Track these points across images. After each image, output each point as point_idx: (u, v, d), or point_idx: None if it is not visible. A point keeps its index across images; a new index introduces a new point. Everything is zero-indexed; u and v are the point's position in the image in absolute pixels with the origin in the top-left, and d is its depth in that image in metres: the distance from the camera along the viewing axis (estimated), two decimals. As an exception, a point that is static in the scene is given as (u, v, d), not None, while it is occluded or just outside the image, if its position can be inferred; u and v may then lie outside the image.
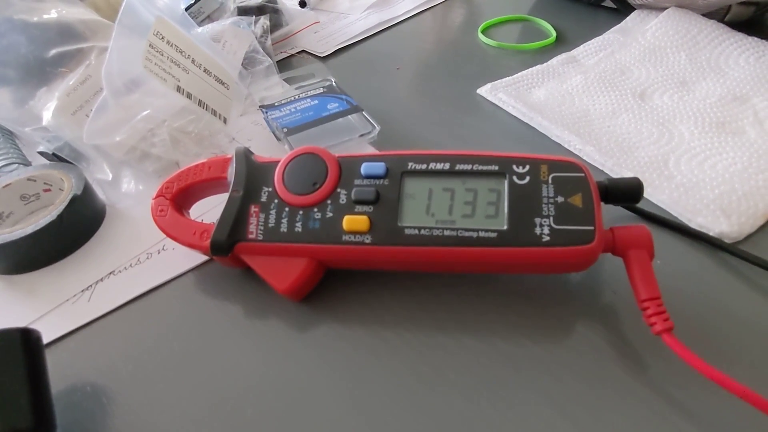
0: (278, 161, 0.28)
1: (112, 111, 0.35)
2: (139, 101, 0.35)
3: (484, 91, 0.43)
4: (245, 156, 0.29)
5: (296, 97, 0.41)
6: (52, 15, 0.40)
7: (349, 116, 0.39)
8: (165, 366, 0.26)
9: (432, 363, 0.25)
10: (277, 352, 0.26)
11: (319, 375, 0.25)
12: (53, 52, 0.39)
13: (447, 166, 0.26)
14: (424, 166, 0.26)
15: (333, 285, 0.28)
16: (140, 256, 0.32)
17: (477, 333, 0.26)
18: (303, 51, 0.52)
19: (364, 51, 0.52)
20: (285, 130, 0.38)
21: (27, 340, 0.23)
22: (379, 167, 0.27)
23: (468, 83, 0.44)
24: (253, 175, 0.28)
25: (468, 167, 0.26)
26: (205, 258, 0.31)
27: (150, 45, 0.35)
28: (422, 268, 0.27)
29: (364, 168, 0.27)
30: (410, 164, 0.27)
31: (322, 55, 0.51)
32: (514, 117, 0.40)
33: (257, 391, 0.25)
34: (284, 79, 0.46)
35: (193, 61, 0.38)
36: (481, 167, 0.26)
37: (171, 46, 0.37)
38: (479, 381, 0.24)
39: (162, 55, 0.36)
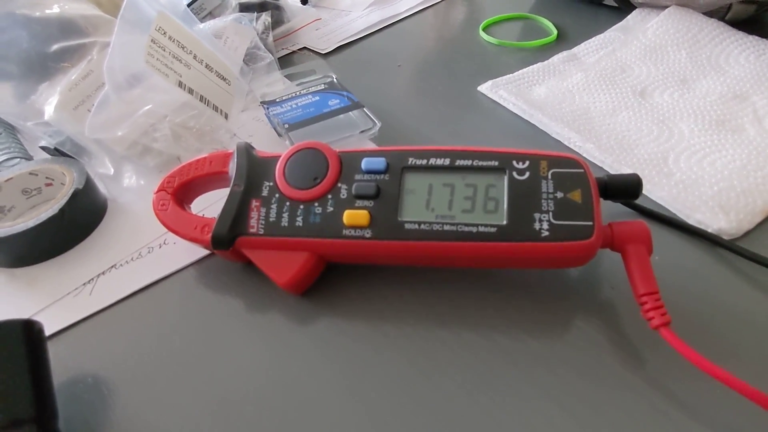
0: (279, 156, 0.28)
1: (114, 106, 0.35)
2: (141, 96, 0.36)
3: (484, 88, 0.43)
4: (246, 151, 0.29)
5: (297, 93, 0.41)
6: (54, 10, 0.40)
7: (350, 113, 0.39)
8: (166, 358, 0.26)
9: (432, 357, 0.25)
10: (277, 345, 0.26)
11: (319, 368, 0.25)
12: (55, 47, 0.39)
13: (447, 161, 0.26)
14: (424, 162, 0.27)
15: (334, 279, 0.29)
16: (141, 250, 0.32)
17: (476, 328, 0.26)
18: (304, 48, 0.52)
19: (365, 48, 0.52)
20: (286, 125, 0.38)
21: (29, 331, 0.23)
22: (379, 162, 0.27)
23: (469, 81, 0.44)
24: (254, 169, 0.28)
25: (468, 163, 0.26)
26: (206, 252, 0.31)
27: (152, 40, 0.35)
28: (422, 263, 0.27)
29: (365, 163, 0.27)
30: (411, 160, 0.27)
31: (323, 52, 0.51)
32: (515, 114, 0.40)
33: (257, 383, 0.25)
34: (285, 76, 0.46)
35: (194, 57, 0.38)
36: (481, 163, 0.26)
37: (173, 41, 0.37)
38: (478, 375, 0.24)
39: (164, 50, 0.36)
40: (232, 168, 0.29)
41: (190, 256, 0.31)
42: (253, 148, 0.30)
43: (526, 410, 0.23)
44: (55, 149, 0.37)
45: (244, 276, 0.30)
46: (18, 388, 0.21)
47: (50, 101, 0.37)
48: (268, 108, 0.40)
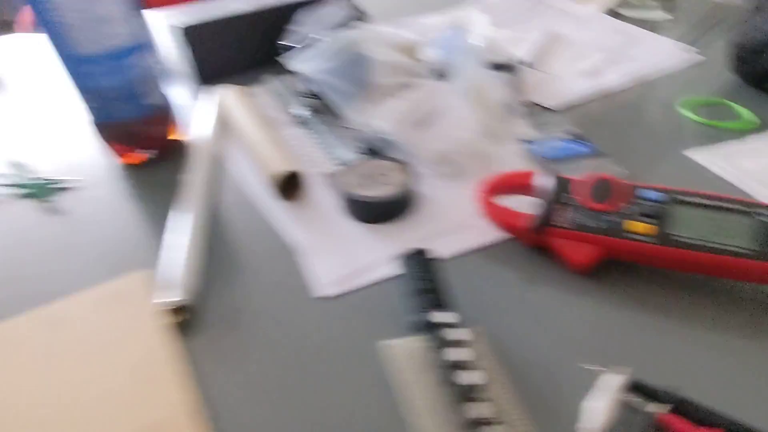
0: (578, 178, 0.42)
1: (433, 127, 0.51)
2: (452, 123, 0.51)
3: (693, 153, 0.54)
4: (554, 172, 0.43)
5: (547, 138, 0.55)
6: (384, 56, 0.57)
7: (594, 158, 0.52)
8: (488, 299, 0.40)
9: (671, 339, 0.36)
10: (551, 311, 0.39)
11: (584, 327, 0.37)
12: (383, 80, 0.56)
13: (708, 201, 0.38)
14: (690, 199, 0.39)
15: (609, 272, 0.41)
16: (446, 230, 0.46)
17: (711, 324, 0.37)
18: (535, 104, 0.66)
19: (583, 109, 0.65)
20: (545, 160, 0.51)
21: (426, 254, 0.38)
22: (657, 194, 0.39)
23: (673, 146, 0.55)
24: (560, 184, 0.42)
25: (724, 204, 0.38)
26: (493, 237, 0.44)
27: (468, 90, 0.51)
28: (681, 268, 0.39)
29: (647, 193, 0.39)
30: (680, 196, 0.39)
31: (553, 109, 0.64)
32: (720, 177, 0.50)
33: (541, 329, 0.38)
34: (529, 123, 0.60)
35: (483, 101, 0.53)
36: (733, 206, 0.38)
37: (479, 93, 0.52)
38: (706, 358, 0.35)
39: (473, 97, 0.51)
40: (538, 181, 0.42)
41: (481, 239, 0.45)
42: (558, 171, 0.43)
43: (750, 390, 0.33)
44: (383, 152, 0.53)
45: (527, 258, 0.43)
46: (436, 284, 0.35)
47: (382, 117, 0.53)
48: (527, 145, 0.54)
